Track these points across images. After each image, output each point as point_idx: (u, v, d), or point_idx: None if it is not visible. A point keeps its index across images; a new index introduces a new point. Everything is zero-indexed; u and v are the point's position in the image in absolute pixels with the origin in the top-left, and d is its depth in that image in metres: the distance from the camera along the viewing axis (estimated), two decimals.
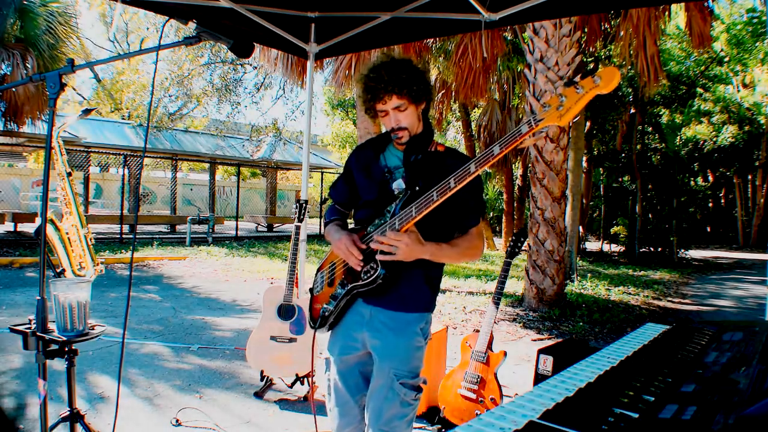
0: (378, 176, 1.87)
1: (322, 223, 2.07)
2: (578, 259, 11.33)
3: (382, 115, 1.81)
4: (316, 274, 2.02)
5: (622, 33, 8.08)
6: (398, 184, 1.83)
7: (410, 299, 1.81)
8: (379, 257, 1.68)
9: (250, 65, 15.77)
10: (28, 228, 11.55)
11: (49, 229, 2.65)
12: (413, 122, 1.80)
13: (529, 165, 7.32)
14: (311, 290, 2.01)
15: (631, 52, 8.08)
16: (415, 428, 2.67)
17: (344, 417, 1.89)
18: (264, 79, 16.41)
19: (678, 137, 23.12)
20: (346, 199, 2.02)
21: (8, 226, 11.91)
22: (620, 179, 19.79)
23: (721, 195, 29.97)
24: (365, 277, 1.74)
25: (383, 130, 1.90)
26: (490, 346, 2.93)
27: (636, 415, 0.90)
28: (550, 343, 4.90)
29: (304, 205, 3.43)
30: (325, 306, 1.90)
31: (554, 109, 1.47)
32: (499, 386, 2.87)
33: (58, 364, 1.98)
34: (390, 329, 1.80)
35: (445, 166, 1.72)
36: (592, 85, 1.41)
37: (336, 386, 1.90)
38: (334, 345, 1.92)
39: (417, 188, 1.70)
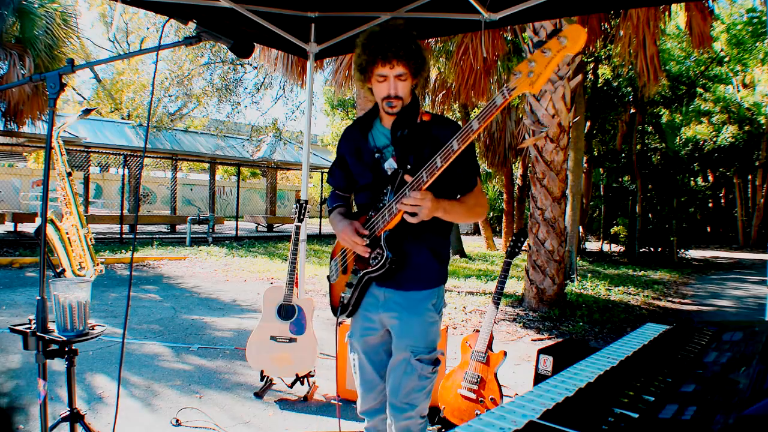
0: (369, 160, 1.90)
1: (326, 211, 2.10)
2: (578, 259, 11.32)
3: (379, 80, 1.78)
4: (330, 261, 2.07)
5: (621, 33, 8.08)
6: (390, 164, 1.85)
7: (420, 277, 1.86)
8: (408, 218, 1.68)
9: (250, 65, 15.76)
10: (28, 228, 11.52)
11: (49, 229, 2.65)
12: (407, 94, 1.82)
13: (529, 165, 7.32)
14: (328, 278, 2.07)
15: (631, 52, 8.07)
16: None
17: (370, 392, 1.99)
18: (264, 79, 16.40)
19: (678, 137, 23.11)
20: (344, 184, 2.06)
21: (8, 226, 11.89)
22: (620, 179, 19.78)
23: (721, 195, 29.94)
24: (374, 262, 1.80)
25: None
26: (490, 346, 2.93)
27: (636, 415, 0.90)
28: (550, 343, 4.90)
29: (304, 205, 3.43)
30: (343, 294, 1.96)
31: (525, 76, 1.45)
32: (499, 386, 2.87)
33: (58, 364, 1.98)
34: (404, 308, 1.86)
35: (432, 136, 1.79)
36: (559, 46, 1.39)
37: (362, 364, 1.99)
38: (355, 328, 2.00)
39: (408, 166, 1.76)
